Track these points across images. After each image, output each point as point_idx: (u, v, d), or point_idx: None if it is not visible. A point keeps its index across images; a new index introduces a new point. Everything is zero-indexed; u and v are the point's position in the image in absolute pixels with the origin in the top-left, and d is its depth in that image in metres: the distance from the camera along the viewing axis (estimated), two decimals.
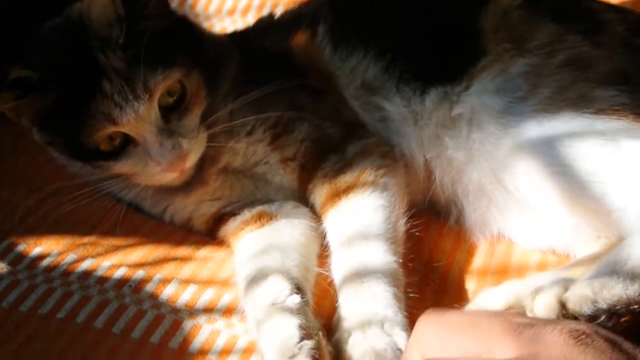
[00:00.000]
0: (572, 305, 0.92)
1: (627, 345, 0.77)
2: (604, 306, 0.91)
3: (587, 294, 0.92)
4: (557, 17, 1.24)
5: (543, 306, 0.93)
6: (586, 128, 1.11)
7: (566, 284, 0.95)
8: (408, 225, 1.18)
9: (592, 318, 0.90)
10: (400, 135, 1.28)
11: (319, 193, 1.22)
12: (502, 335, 0.76)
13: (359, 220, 1.15)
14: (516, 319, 0.80)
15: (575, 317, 0.90)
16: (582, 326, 0.77)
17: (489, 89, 1.20)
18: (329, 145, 1.26)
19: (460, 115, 1.23)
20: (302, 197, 1.27)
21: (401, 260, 1.11)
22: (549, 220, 1.19)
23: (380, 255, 1.09)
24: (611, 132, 1.09)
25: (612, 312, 0.91)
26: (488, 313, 0.80)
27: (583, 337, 0.74)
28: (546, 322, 0.79)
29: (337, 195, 1.19)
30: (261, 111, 1.24)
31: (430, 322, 0.83)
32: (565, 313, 0.91)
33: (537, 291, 0.96)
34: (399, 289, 1.06)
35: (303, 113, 1.27)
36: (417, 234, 1.18)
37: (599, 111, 1.12)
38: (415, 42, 1.30)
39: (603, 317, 0.90)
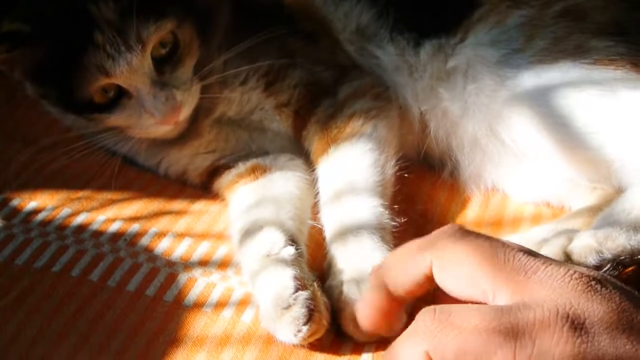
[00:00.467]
0: (577, 256, 0.93)
1: (635, 294, 0.77)
2: (609, 256, 0.92)
3: (592, 244, 0.93)
4: None
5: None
6: (583, 78, 1.10)
7: (570, 235, 0.96)
8: (401, 171, 1.18)
9: (596, 268, 0.91)
10: (394, 85, 1.28)
11: (312, 139, 1.23)
12: (514, 274, 0.76)
13: (347, 169, 1.15)
14: (530, 257, 0.79)
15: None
16: (593, 272, 0.77)
17: (484, 41, 1.20)
18: (322, 90, 1.26)
19: (456, 67, 1.22)
20: (298, 145, 1.27)
21: (389, 203, 1.11)
22: (544, 173, 1.20)
23: (368, 206, 1.09)
24: (609, 82, 1.09)
25: (617, 263, 0.92)
26: (506, 246, 0.79)
27: (593, 282, 0.74)
28: (559, 264, 0.79)
29: (328, 141, 1.19)
30: (254, 60, 1.23)
31: (450, 240, 0.82)
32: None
33: (542, 243, 0.97)
34: (387, 236, 1.06)
35: (295, 59, 1.26)
36: (410, 180, 1.19)
37: (596, 61, 1.11)
38: None
39: (608, 267, 0.91)
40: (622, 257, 0.92)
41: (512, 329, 0.71)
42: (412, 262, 0.83)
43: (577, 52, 1.13)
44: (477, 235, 0.81)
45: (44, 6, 1.13)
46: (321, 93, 1.25)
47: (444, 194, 1.27)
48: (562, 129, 1.11)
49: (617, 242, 0.93)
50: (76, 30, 1.09)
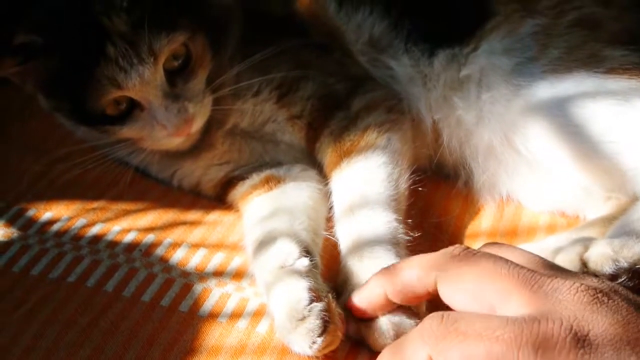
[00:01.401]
0: (594, 265, 0.92)
1: None
2: (625, 265, 0.91)
3: (608, 252, 0.92)
4: None
5: (564, 265, 0.93)
6: (598, 88, 1.11)
7: (586, 243, 0.96)
8: (415, 184, 1.17)
9: (613, 277, 0.90)
10: (408, 95, 1.28)
11: (325, 152, 1.22)
12: (519, 286, 0.76)
13: (360, 183, 1.14)
14: (540, 269, 0.79)
15: (596, 275, 0.90)
16: (601, 284, 0.77)
17: (497, 49, 1.20)
18: (334, 102, 1.25)
19: (469, 76, 1.22)
20: (311, 157, 1.27)
21: (403, 217, 1.11)
22: (559, 182, 1.19)
23: (383, 221, 1.08)
24: (623, 91, 1.09)
25: (634, 272, 0.91)
26: (510, 263, 0.80)
27: (599, 295, 0.74)
28: (567, 275, 0.79)
29: (341, 154, 1.19)
30: (266, 72, 1.23)
31: (455, 259, 0.83)
32: (586, 271, 0.92)
33: (558, 251, 0.97)
34: (401, 250, 1.06)
35: (308, 71, 1.26)
36: (424, 193, 1.18)
37: (610, 70, 1.11)
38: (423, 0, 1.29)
39: (624, 277, 0.91)
40: (639, 266, 0.92)
41: (516, 339, 0.71)
42: (417, 277, 0.84)
43: (591, 61, 1.13)
44: (482, 254, 0.82)
45: (57, 18, 1.13)
46: (334, 105, 1.25)
47: (458, 205, 1.27)
48: (576, 138, 1.11)
49: (634, 250, 0.93)
50: (88, 43, 1.10)
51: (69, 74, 1.12)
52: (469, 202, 1.28)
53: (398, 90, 1.29)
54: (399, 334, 0.92)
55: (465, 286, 0.80)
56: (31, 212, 1.27)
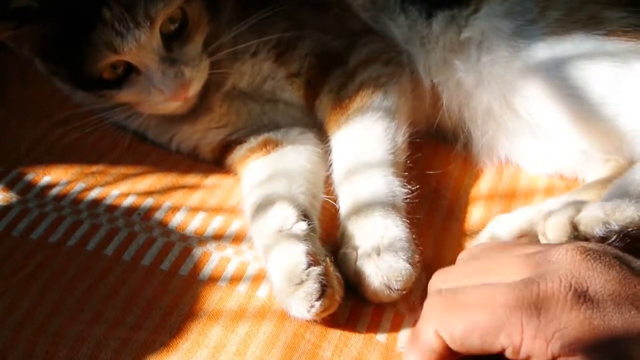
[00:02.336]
0: (584, 227, 0.92)
1: (636, 263, 0.78)
2: (616, 227, 0.91)
3: (599, 215, 0.92)
4: None
5: (555, 228, 0.93)
6: (596, 50, 1.10)
7: (578, 206, 0.96)
8: (414, 141, 1.18)
9: (603, 239, 0.91)
10: (408, 55, 1.27)
11: (325, 110, 1.22)
12: (510, 264, 0.77)
13: (358, 140, 1.14)
14: (526, 250, 0.80)
15: (586, 239, 0.90)
16: (591, 244, 0.78)
17: (498, 12, 1.19)
18: (332, 59, 1.25)
19: (470, 38, 1.22)
20: (311, 116, 1.27)
21: (400, 171, 1.11)
22: (558, 145, 1.19)
23: (379, 175, 1.08)
24: (622, 53, 1.09)
25: (624, 234, 0.91)
26: (496, 247, 0.80)
27: (591, 252, 0.75)
28: (553, 245, 0.80)
29: (339, 112, 1.19)
30: (263, 33, 1.23)
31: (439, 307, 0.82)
32: (577, 235, 0.92)
33: (550, 214, 0.97)
34: (399, 204, 1.06)
35: (304, 30, 1.26)
36: (423, 156, 1.18)
37: (609, 32, 1.11)
38: None
39: (614, 238, 0.91)
40: (630, 229, 0.92)
41: (518, 302, 0.72)
42: (423, 341, 0.80)
43: (590, 23, 1.13)
44: (462, 289, 0.80)
45: None
46: (332, 62, 1.25)
47: (457, 167, 1.26)
48: (575, 100, 1.11)
49: (626, 213, 0.93)
50: (84, 7, 1.09)
51: (65, 38, 1.12)
52: (467, 164, 1.28)
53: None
54: None
55: (466, 319, 0.78)
56: (30, 176, 1.27)
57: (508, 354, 0.73)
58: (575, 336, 0.70)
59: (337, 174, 1.13)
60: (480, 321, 0.73)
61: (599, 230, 0.91)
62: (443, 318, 0.76)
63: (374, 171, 1.09)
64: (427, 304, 0.78)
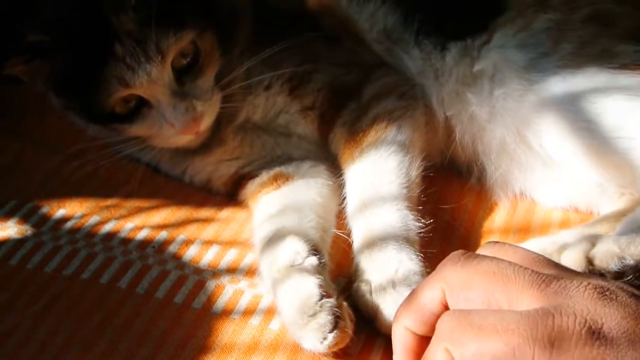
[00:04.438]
0: (599, 262, 0.92)
1: None
2: (631, 262, 0.91)
3: (614, 250, 0.92)
4: None
5: (570, 262, 0.93)
6: (610, 83, 1.10)
7: (593, 240, 0.95)
8: (428, 175, 1.18)
9: (619, 275, 0.90)
10: (420, 87, 1.27)
11: (338, 144, 1.22)
12: (527, 287, 0.76)
13: (372, 174, 1.14)
14: (544, 269, 0.79)
15: (601, 274, 0.90)
16: (607, 283, 0.77)
17: (511, 43, 1.19)
18: (346, 92, 1.25)
19: (482, 71, 1.22)
20: (325, 149, 1.27)
21: (414, 205, 1.11)
22: (572, 178, 1.19)
23: (393, 209, 1.08)
24: (635, 87, 1.09)
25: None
26: (514, 265, 0.80)
27: (607, 292, 0.74)
28: (572, 275, 0.79)
29: (353, 145, 1.18)
30: (277, 67, 1.24)
31: (457, 267, 0.82)
32: (592, 269, 0.91)
33: (564, 247, 0.96)
34: (413, 238, 1.06)
35: (318, 64, 1.26)
36: (437, 189, 1.18)
37: (623, 66, 1.11)
38: None
39: (630, 275, 0.90)
40: None
41: (532, 332, 0.71)
42: (424, 295, 0.82)
43: (603, 56, 1.13)
44: (483, 257, 0.80)
45: (65, 17, 1.13)
46: (346, 95, 1.25)
47: (471, 200, 1.26)
48: (589, 133, 1.10)
49: None
50: (96, 42, 1.10)
51: (78, 72, 1.13)
52: (482, 198, 1.27)
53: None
54: None
55: (471, 293, 0.79)
56: (45, 209, 1.28)
57: None
58: None
59: (350, 207, 1.13)
60: (493, 347, 0.72)
61: (614, 266, 0.91)
62: (456, 337, 0.75)
63: (388, 205, 1.09)
64: (440, 322, 0.77)
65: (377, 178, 1.13)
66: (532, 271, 0.78)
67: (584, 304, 0.73)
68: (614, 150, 1.09)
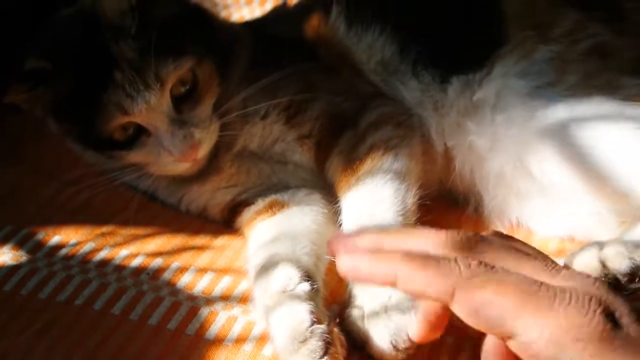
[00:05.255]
0: (611, 263, 0.93)
1: None
2: None
3: (622, 251, 0.92)
4: (579, 5, 1.23)
5: (584, 267, 0.95)
6: (616, 113, 1.11)
7: (599, 245, 0.96)
8: (424, 205, 1.17)
9: (631, 276, 0.92)
10: (418, 117, 1.28)
11: (335, 172, 1.22)
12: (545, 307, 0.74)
13: (367, 202, 1.13)
14: (551, 278, 0.77)
15: (616, 279, 0.90)
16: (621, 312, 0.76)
17: (512, 72, 1.20)
18: (343, 121, 1.25)
19: (484, 100, 1.22)
20: (322, 178, 1.27)
21: None
22: (571, 206, 1.18)
23: None
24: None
25: None
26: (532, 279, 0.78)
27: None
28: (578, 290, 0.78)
29: (350, 174, 1.18)
30: (274, 95, 1.24)
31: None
32: (607, 273, 0.93)
33: (574, 255, 0.97)
34: None
35: (315, 93, 1.26)
36: (434, 218, 1.16)
37: (628, 97, 1.11)
38: (432, 22, 1.30)
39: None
40: None
41: (549, 299, 0.69)
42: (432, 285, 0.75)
43: (609, 87, 1.14)
44: (503, 274, 0.75)
45: (66, 45, 1.15)
46: (343, 124, 1.25)
47: (467, 229, 1.25)
48: (591, 161, 1.10)
49: None
50: (96, 69, 1.11)
51: (77, 99, 1.14)
52: (478, 226, 1.27)
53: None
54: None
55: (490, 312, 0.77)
56: (40, 236, 1.28)
57: (512, 345, 0.72)
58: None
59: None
60: (509, 300, 0.71)
61: (626, 266, 0.93)
62: (468, 281, 0.73)
63: None
64: (452, 265, 0.73)
65: (373, 206, 1.13)
66: (545, 286, 0.75)
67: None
68: (616, 180, 1.09)
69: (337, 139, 1.24)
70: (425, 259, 0.75)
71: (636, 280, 0.92)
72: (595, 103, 1.12)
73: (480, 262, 0.73)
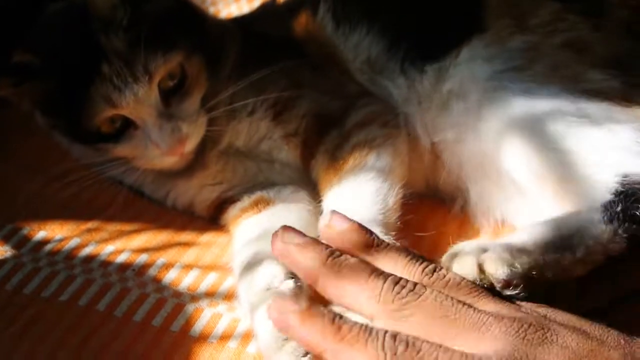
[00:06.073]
0: (488, 268, 0.88)
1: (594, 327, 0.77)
2: (519, 270, 0.89)
3: (505, 256, 0.90)
4: None
5: (461, 269, 0.91)
6: (572, 108, 1.09)
7: (486, 247, 0.94)
8: (409, 205, 1.16)
9: (507, 283, 0.88)
10: (405, 115, 1.27)
11: (319, 170, 1.22)
12: (466, 332, 0.75)
13: (349, 200, 1.13)
14: (482, 312, 0.78)
15: (492, 285, 0.89)
16: (547, 321, 0.76)
17: (480, 56, 1.19)
18: (329, 120, 1.25)
19: (451, 90, 1.21)
20: (307, 176, 1.27)
21: (394, 232, 1.09)
22: (546, 204, 1.18)
23: None
24: (596, 114, 1.08)
25: (528, 278, 0.89)
26: (456, 303, 0.78)
27: (548, 334, 0.74)
28: (514, 312, 0.78)
29: (333, 172, 1.18)
30: (261, 92, 1.24)
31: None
32: (482, 278, 0.89)
33: (455, 255, 0.95)
34: None
35: (303, 90, 1.27)
36: (419, 217, 1.17)
37: (587, 92, 1.10)
38: (416, 15, 1.29)
39: (519, 286, 0.89)
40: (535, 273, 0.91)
41: None
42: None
43: (572, 81, 1.12)
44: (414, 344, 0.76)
45: (55, 38, 1.15)
46: (328, 123, 1.25)
47: (453, 228, 1.25)
48: (552, 156, 1.08)
49: (532, 257, 0.92)
50: (84, 61, 1.11)
51: (65, 92, 1.13)
52: (464, 225, 1.26)
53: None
54: None
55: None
56: (25, 231, 1.28)
57: None
58: None
59: None
60: None
61: (502, 273, 0.88)
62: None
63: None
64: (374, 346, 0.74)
65: (354, 203, 1.12)
66: (475, 310, 0.76)
67: (523, 350, 0.72)
68: (571, 175, 1.08)
69: (323, 138, 1.24)
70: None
71: (510, 288, 0.90)
72: (552, 95, 1.11)
73: (406, 348, 0.73)
